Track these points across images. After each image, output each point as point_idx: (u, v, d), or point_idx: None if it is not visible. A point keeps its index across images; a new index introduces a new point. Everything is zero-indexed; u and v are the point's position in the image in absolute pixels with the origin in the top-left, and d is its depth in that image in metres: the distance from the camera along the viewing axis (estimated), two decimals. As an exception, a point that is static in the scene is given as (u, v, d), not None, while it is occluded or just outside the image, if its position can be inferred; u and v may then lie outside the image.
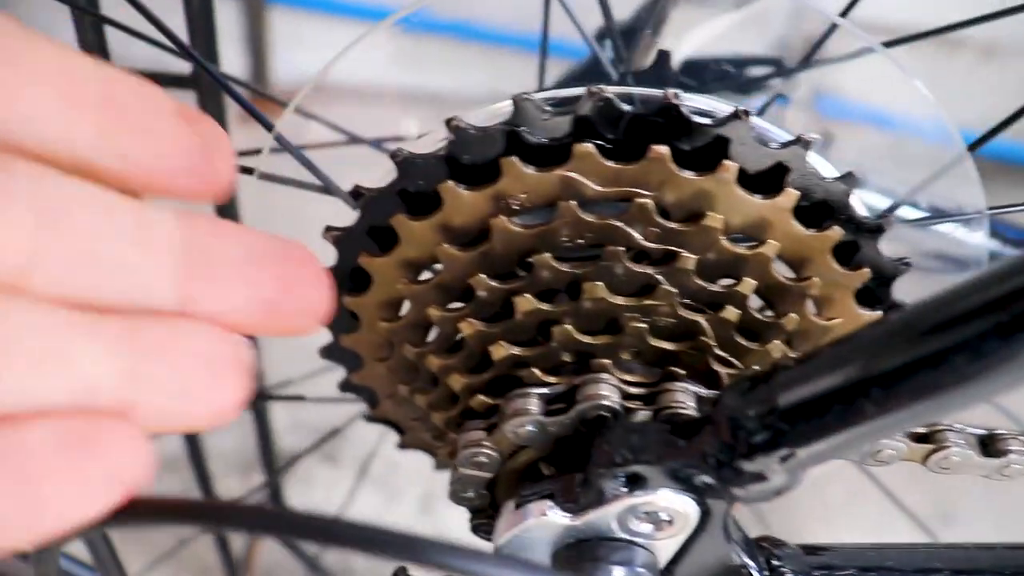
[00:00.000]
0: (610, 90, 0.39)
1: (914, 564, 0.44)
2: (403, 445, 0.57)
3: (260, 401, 0.91)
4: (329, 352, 0.51)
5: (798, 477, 0.33)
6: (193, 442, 0.96)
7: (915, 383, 0.29)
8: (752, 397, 0.32)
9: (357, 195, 0.42)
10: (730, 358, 0.42)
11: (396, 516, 1.39)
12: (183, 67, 0.65)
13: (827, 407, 0.31)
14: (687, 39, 0.65)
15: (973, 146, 0.46)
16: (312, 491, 1.40)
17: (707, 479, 0.34)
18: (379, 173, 0.44)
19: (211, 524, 0.33)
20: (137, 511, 0.29)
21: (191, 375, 0.28)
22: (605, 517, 0.37)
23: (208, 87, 0.64)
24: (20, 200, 0.24)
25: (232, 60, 2.11)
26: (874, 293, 0.45)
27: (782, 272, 0.43)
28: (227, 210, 0.73)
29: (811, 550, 0.44)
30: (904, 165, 0.53)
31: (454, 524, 1.37)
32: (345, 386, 0.53)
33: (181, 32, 0.57)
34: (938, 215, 0.49)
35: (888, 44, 0.46)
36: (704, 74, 0.64)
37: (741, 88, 0.65)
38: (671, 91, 0.39)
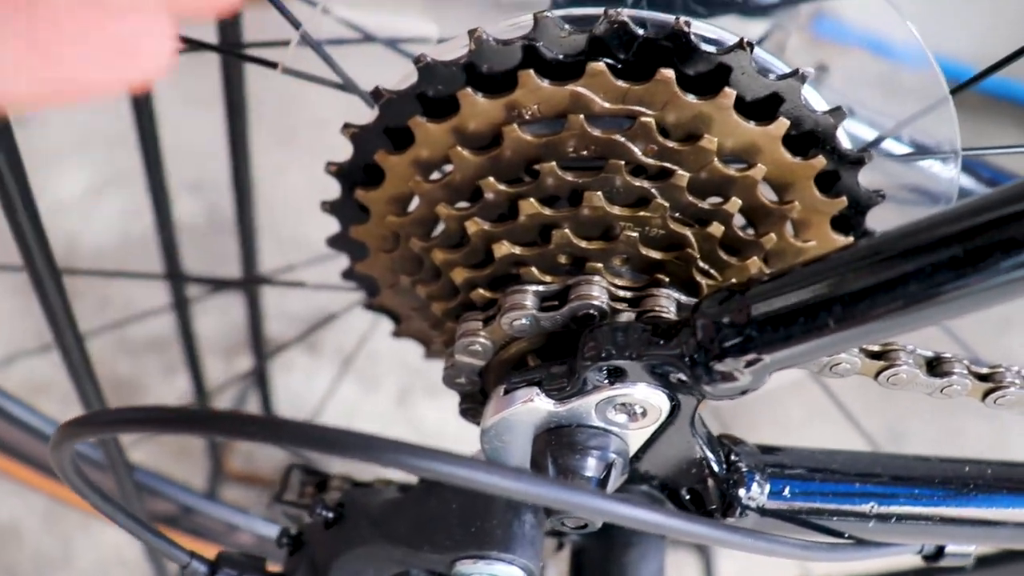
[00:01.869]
0: (625, 13, 0.41)
1: (856, 468, 0.49)
2: (397, 334, 0.61)
3: (255, 285, 0.94)
4: (336, 241, 0.54)
5: (762, 379, 0.37)
6: (185, 324, 0.99)
7: (873, 304, 0.33)
8: (728, 306, 0.36)
9: (377, 96, 0.45)
10: (712, 270, 0.46)
11: (372, 406, 1.44)
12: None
13: (793, 319, 0.35)
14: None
15: (958, 88, 0.49)
16: (292, 377, 1.45)
17: (681, 376, 0.38)
18: (396, 74, 0.47)
19: (193, 430, 0.36)
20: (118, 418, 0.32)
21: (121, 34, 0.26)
22: (586, 406, 0.41)
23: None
24: None
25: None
26: (849, 220, 0.49)
27: (767, 194, 0.46)
28: (236, 101, 0.74)
29: (766, 449, 0.48)
30: (893, 96, 0.56)
31: (429, 418, 1.42)
32: (348, 274, 0.56)
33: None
34: (916, 151, 0.52)
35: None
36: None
37: (746, 13, 0.67)
38: (683, 18, 0.42)
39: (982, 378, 0.48)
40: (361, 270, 0.55)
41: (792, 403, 1.45)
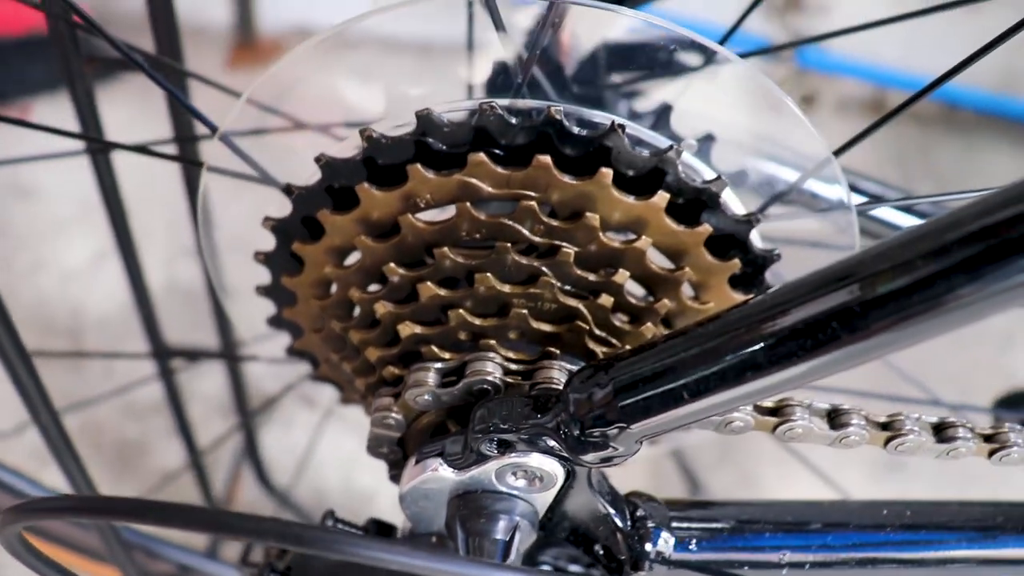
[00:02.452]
0: (501, 104, 0.44)
1: (767, 517, 0.51)
2: (345, 401, 0.64)
3: (230, 360, 0.98)
4: (275, 322, 0.57)
5: (632, 448, 0.40)
6: (172, 394, 1.03)
7: (721, 377, 0.36)
8: (593, 380, 0.39)
9: (289, 191, 0.48)
10: (609, 337, 0.49)
11: (370, 459, 1.47)
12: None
13: (651, 391, 0.37)
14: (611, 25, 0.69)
15: (916, 97, 0.52)
16: (291, 433, 1.48)
17: (557, 445, 0.41)
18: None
19: (134, 518, 0.39)
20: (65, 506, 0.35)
21: None
22: (485, 473, 0.44)
23: (169, 74, 0.69)
24: None
25: (219, 7, 2.15)
26: (749, 278, 0.51)
27: (659, 262, 0.49)
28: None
29: (674, 505, 0.51)
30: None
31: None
32: (291, 351, 0.60)
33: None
34: (807, 212, 0.55)
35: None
36: (634, 59, 0.68)
37: (670, 72, 0.70)
38: (554, 106, 0.45)
39: (881, 426, 0.50)
40: (299, 346, 0.58)
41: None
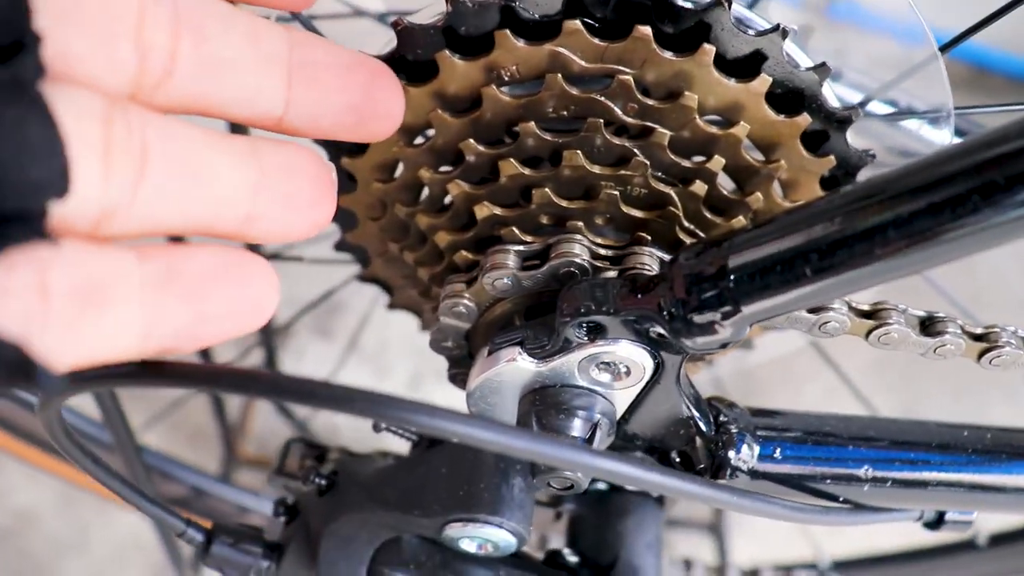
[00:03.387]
0: (600, -30, 0.41)
1: (851, 432, 0.49)
2: (392, 305, 0.61)
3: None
4: (326, 211, 0.54)
5: (742, 331, 0.37)
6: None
7: (849, 253, 0.33)
8: (704, 258, 0.36)
9: (358, 60, 0.45)
10: (696, 230, 0.46)
11: (386, 384, 1.45)
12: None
13: (769, 269, 0.34)
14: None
15: (944, 48, 0.49)
16: (304, 363, 1.46)
17: (661, 330, 0.38)
18: (381, 42, 0.47)
19: (212, 386, 0.37)
20: (152, 372, 0.33)
21: (301, 190, 0.33)
22: (568, 364, 0.41)
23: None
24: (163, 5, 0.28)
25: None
26: (839, 181, 0.48)
27: (752, 154, 0.46)
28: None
29: (758, 412, 0.48)
30: (895, 69, 0.55)
31: (439, 400, 1.43)
32: (340, 245, 0.57)
33: None
34: (906, 112, 0.52)
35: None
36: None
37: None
38: (659, -26, 0.41)
39: (976, 338, 0.47)
40: (351, 240, 0.55)
41: (808, 383, 1.45)
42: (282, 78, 0.32)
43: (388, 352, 1.47)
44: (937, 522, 0.55)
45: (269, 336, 1.06)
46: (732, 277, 0.35)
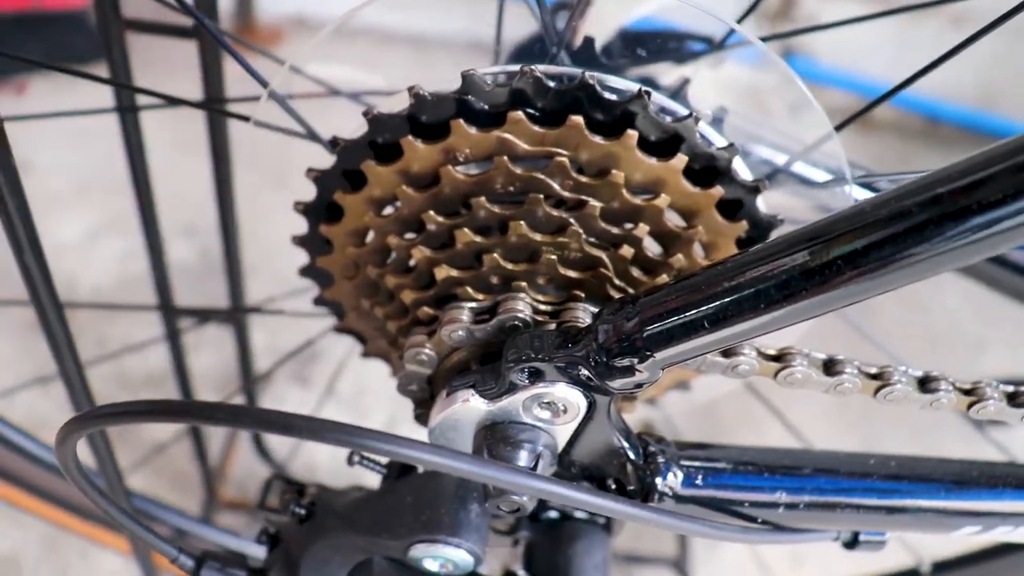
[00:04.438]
0: (539, 69, 0.49)
1: (767, 461, 0.56)
2: (365, 354, 0.67)
3: (240, 315, 1.01)
4: (306, 271, 0.61)
5: (656, 374, 0.44)
6: (177, 354, 1.06)
7: (737, 308, 0.40)
8: (622, 313, 0.43)
9: (335, 144, 0.52)
10: (626, 287, 0.53)
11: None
12: (186, 20, 0.74)
13: (674, 322, 0.42)
14: (631, 11, 0.74)
15: (878, 101, 0.56)
16: (283, 409, 1.51)
17: (588, 373, 0.45)
18: (355, 122, 0.54)
19: (193, 419, 0.43)
20: (158, 410, 0.39)
21: None
22: (514, 403, 0.48)
23: (208, 40, 0.73)
24: None
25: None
26: (754, 241, 0.56)
27: (675, 220, 0.53)
28: (220, 150, 0.82)
29: (685, 445, 0.55)
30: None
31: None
32: (319, 300, 0.63)
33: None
34: (810, 181, 0.59)
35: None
36: (645, 45, 0.73)
37: (677, 59, 0.74)
38: (588, 73, 0.49)
39: (872, 376, 0.55)
40: (328, 296, 0.62)
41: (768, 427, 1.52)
42: None
43: (366, 397, 1.53)
44: (853, 542, 0.61)
45: (249, 383, 1.12)
46: (644, 329, 0.42)
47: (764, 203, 0.55)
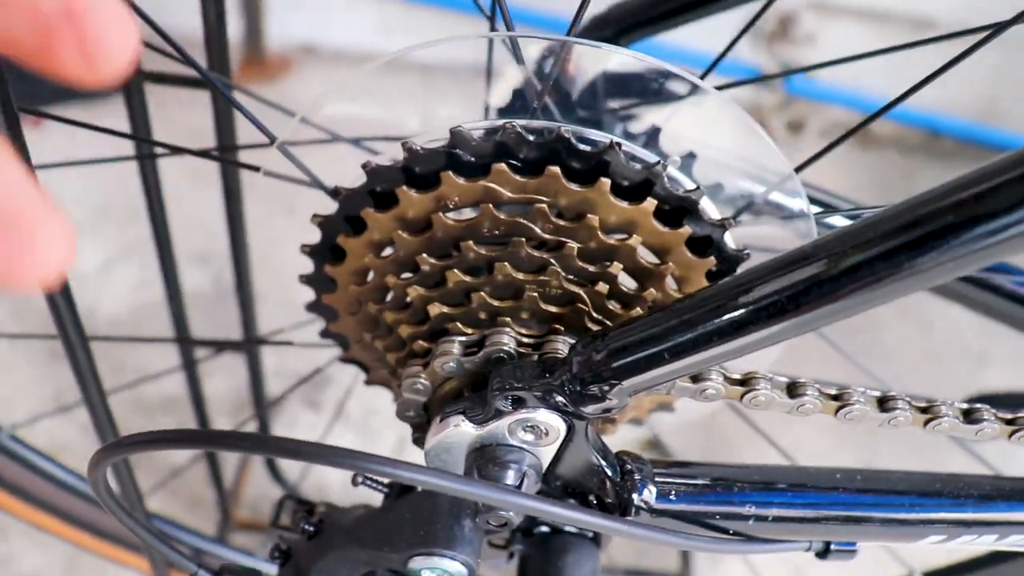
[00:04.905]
0: (519, 123, 0.54)
1: (737, 476, 0.60)
2: (369, 382, 0.73)
3: (253, 344, 1.06)
4: (313, 307, 0.66)
5: (624, 400, 0.49)
6: (194, 383, 1.11)
7: (694, 341, 0.45)
8: (593, 345, 0.49)
9: (336, 193, 0.57)
10: (604, 320, 0.58)
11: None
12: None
13: (639, 353, 0.47)
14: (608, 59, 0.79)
15: (874, 116, 0.61)
16: (295, 433, 1.57)
17: (563, 400, 0.50)
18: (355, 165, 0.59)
19: (211, 446, 0.48)
20: (164, 438, 0.44)
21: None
22: (500, 428, 0.53)
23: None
24: None
25: (229, 22, 2.25)
26: (723, 273, 0.61)
27: (648, 258, 0.58)
28: (232, 191, 0.87)
29: (660, 463, 0.60)
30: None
31: (419, 460, 1.54)
32: (325, 333, 0.69)
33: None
34: (774, 215, 0.64)
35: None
36: (630, 88, 0.78)
37: (660, 99, 0.79)
38: (563, 127, 0.54)
39: (832, 397, 0.59)
40: (334, 329, 0.67)
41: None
42: None
43: (375, 420, 1.58)
44: (825, 551, 0.66)
45: (262, 408, 1.17)
46: (612, 360, 0.47)
47: (733, 237, 0.60)
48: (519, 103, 0.67)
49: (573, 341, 0.56)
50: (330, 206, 0.59)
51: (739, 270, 0.61)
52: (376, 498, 0.64)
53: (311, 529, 0.63)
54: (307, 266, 0.63)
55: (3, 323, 1.68)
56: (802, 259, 0.43)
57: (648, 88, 0.79)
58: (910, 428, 0.61)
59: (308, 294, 0.66)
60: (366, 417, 1.59)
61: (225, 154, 0.81)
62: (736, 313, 0.44)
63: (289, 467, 1.45)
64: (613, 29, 0.82)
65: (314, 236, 0.61)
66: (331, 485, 1.48)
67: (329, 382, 1.63)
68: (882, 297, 0.42)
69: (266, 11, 2.24)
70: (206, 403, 1.19)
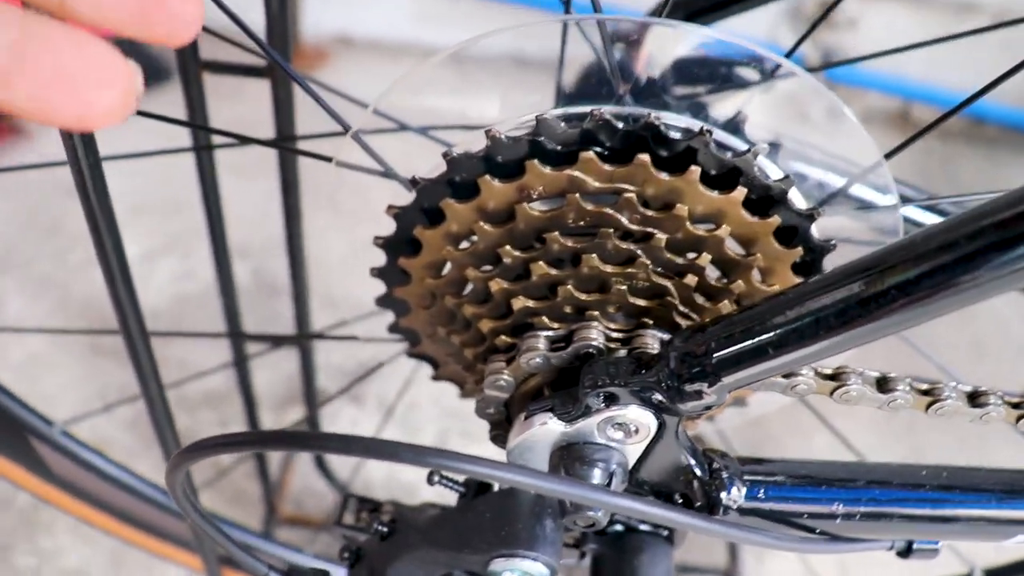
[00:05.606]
0: (607, 110, 0.52)
1: (824, 474, 0.58)
2: (436, 377, 0.71)
3: (308, 340, 1.05)
4: (383, 301, 0.65)
5: (723, 397, 0.47)
6: (244, 379, 1.10)
7: (800, 335, 0.43)
8: (692, 340, 0.47)
9: (415, 183, 0.56)
10: (691, 313, 0.56)
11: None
12: (258, 60, 0.78)
13: (741, 348, 0.45)
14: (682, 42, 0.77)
15: (947, 115, 0.59)
16: (338, 426, 1.56)
17: (660, 397, 0.49)
18: (427, 154, 0.57)
19: (298, 448, 0.47)
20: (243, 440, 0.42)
21: (71, 68, 0.32)
22: (589, 426, 0.52)
23: (280, 79, 0.77)
24: None
25: (260, 14, 2.24)
26: (809, 265, 0.59)
27: (734, 249, 0.57)
28: (289, 183, 0.86)
29: (746, 460, 0.58)
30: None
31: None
32: (393, 328, 0.67)
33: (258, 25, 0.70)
34: (865, 204, 0.62)
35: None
36: (697, 74, 0.76)
37: (732, 86, 0.77)
38: (653, 113, 0.52)
39: (923, 392, 0.57)
40: (404, 324, 0.66)
41: (817, 436, 1.55)
42: None
43: (418, 414, 1.57)
44: (907, 550, 0.64)
45: (314, 403, 1.16)
46: (714, 355, 0.46)
47: (818, 228, 0.58)
48: (587, 91, 0.66)
49: (664, 336, 0.54)
50: (402, 197, 0.58)
51: (825, 261, 0.59)
52: (428, 495, 0.63)
53: (384, 530, 0.61)
54: (346, 260, 0.62)
55: (46, 318, 1.68)
56: (911, 251, 0.41)
57: (717, 75, 0.77)
58: (1001, 424, 0.60)
59: (356, 287, 0.64)
60: (408, 412, 1.58)
61: (289, 144, 0.80)
62: (844, 306, 0.42)
63: (338, 464, 1.45)
64: (682, 14, 0.80)
65: (352, 231, 0.59)
66: (375, 481, 1.47)
67: (372, 377, 1.62)
68: (999, 288, 0.40)
69: (301, 2, 2.24)
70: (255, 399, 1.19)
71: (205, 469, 1.45)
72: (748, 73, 0.72)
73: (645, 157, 0.52)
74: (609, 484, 0.53)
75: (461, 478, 0.63)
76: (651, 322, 0.55)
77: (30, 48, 0.31)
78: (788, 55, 0.66)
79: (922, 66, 2.26)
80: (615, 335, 0.55)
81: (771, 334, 0.44)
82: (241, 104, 1.07)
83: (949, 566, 1.00)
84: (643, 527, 0.67)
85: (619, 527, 0.67)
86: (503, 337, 0.57)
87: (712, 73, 0.75)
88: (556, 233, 0.54)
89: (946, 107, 0.60)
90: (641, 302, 0.55)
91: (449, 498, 0.63)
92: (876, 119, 2.48)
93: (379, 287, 0.64)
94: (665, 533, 0.68)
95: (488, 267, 0.57)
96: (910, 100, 2.41)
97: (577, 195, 0.53)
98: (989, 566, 0.96)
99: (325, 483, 1.41)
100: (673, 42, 0.72)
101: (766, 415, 1.56)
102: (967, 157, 2.39)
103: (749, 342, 0.45)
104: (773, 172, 0.56)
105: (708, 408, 0.48)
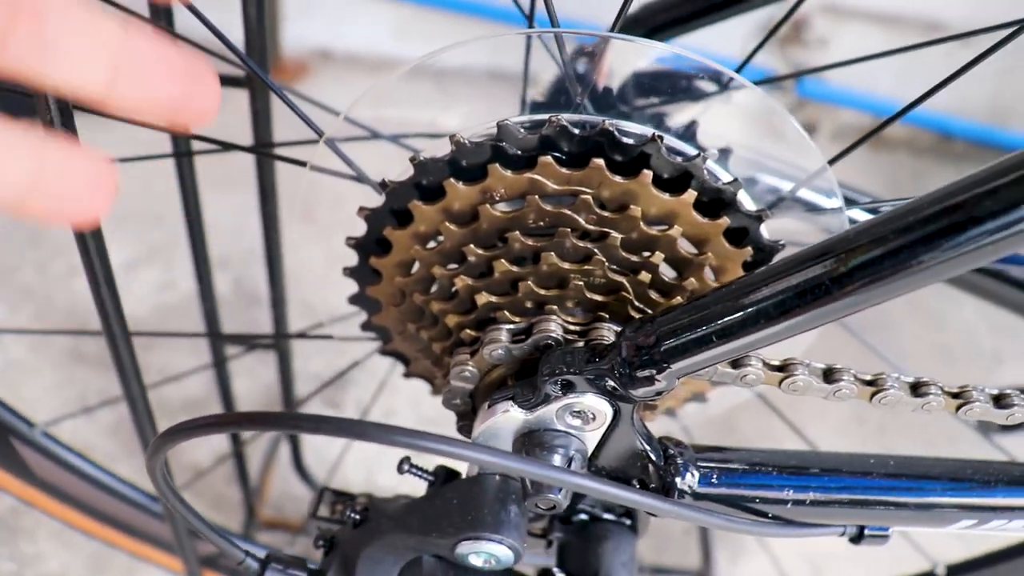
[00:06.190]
0: (564, 118, 0.55)
1: (775, 461, 0.62)
2: (408, 374, 0.74)
3: (285, 341, 1.08)
4: (356, 299, 0.68)
5: (673, 382, 0.51)
6: (223, 381, 1.13)
7: (741, 324, 0.47)
8: (642, 330, 0.50)
9: (384, 185, 0.59)
10: (646, 308, 0.59)
11: (391, 458, 1.57)
12: (235, 70, 0.81)
13: (687, 337, 0.48)
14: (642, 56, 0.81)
15: (885, 124, 0.63)
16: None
17: (613, 383, 0.52)
18: (396, 159, 0.60)
19: (281, 428, 0.50)
20: (225, 421, 0.45)
21: (80, 189, 0.36)
22: (548, 413, 0.55)
23: (259, 90, 0.80)
24: None
25: (241, 28, 2.27)
26: (759, 264, 0.62)
27: (687, 248, 0.60)
28: (267, 190, 0.89)
29: (701, 448, 0.61)
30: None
31: (440, 460, 1.56)
32: (366, 326, 0.70)
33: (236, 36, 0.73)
34: (813, 207, 0.66)
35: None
36: (658, 86, 0.80)
37: (690, 97, 0.81)
38: (608, 120, 0.56)
39: (867, 383, 0.61)
40: (376, 322, 0.69)
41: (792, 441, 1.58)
42: (109, 66, 0.34)
43: (395, 420, 1.60)
44: (859, 536, 0.67)
45: (291, 404, 1.19)
46: (662, 343, 0.49)
47: (767, 229, 0.61)
48: (554, 101, 0.69)
49: (618, 328, 0.58)
50: (374, 202, 0.61)
51: (775, 260, 0.62)
52: (406, 490, 0.65)
53: (357, 517, 0.64)
54: (319, 268, 0.65)
55: (27, 325, 1.70)
56: (845, 245, 0.45)
57: (677, 87, 0.81)
58: (942, 413, 0.63)
59: (332, 294, 0.67)
60: (386, 418, 1.60)
61: (266, 151, 0.83)
62: (782, 296, 0.45)
63: (316, 465, 1.47)
64: (643, 29, 0.84)
65: (328, 241, 0.62)
66: (353, 485, 1.49)
67: (350, 383, 1.64)
68: (922, 280, 0.43)
69: (282, 16, 2.26)
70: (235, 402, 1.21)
71: (185, 471, 1.47)
72: (706, 85, 0.75)
73: (600, 161, 0.55)
74: (569, 468, 0.56)
75: (431, 467, 0.65)
76: (607, 316, 0.59)
77: (47, 170, 0.34)
78: (739, 69, 0.70)
79: (892, 83, 2.32)
80: (573, 328, 0.58)
81: (714, 323, 0.47)
82: (221, 114, 1.10)
83: (913, 563, 1.04)
84: (607, 516, 0.70)
85: (584, 516, 0.70)
86: (468, 331, 0.60)
87: (673, 85, 0.79)
88: (517, 233, 0.57)
89: (917, 123, 0.64)
90: (598, 297, 0.58)
91: (421, 490, 0.66)
92: (849, 134, 2.53)
93: (352, 288, 0.67)
94: (628, 522, 0.71)
95: (454, 265, 0.60)
96: (881, 116, 2.47)
97: (537, 197, 0.56)
98: (951, 562, 1.00)
99: (304, 487, 1.44)
100: (633, 56, 0.76)
101: (738, 422, 1.59)
102: (935, 171, 2.44)
103: (694, 331, 0.48)
104: (724, 176, 0.60)
105: (659, 394, 0.51)
